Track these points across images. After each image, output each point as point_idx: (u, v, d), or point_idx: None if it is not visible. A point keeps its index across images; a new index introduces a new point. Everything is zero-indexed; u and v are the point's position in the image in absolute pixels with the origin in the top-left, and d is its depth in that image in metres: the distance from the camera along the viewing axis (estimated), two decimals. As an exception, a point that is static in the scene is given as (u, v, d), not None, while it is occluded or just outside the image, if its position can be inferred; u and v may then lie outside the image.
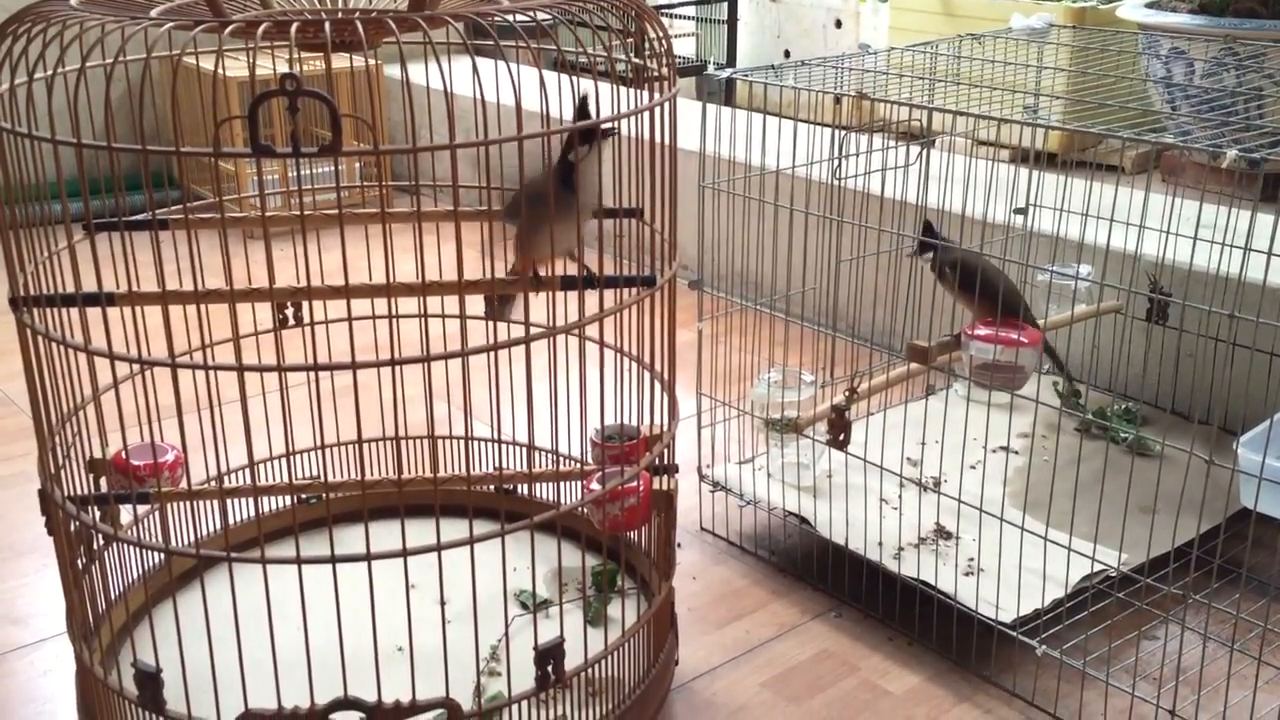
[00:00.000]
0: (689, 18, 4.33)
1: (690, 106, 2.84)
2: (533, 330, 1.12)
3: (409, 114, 1.06)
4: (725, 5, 4.18)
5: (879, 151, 1.84)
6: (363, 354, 1.05)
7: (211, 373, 1.08)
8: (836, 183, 1.75)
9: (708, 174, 1.73)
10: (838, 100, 1.63)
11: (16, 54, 1.09)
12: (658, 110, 1.19)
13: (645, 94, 1.19)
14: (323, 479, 1.52)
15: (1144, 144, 1.37)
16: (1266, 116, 2.63)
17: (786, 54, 4.36)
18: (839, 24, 4.17)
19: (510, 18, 1.21)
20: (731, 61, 4.23)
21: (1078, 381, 1.75)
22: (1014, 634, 1.43)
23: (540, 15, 1.14)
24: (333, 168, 2.57)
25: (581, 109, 1.17)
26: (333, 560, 1.07)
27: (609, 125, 1.19)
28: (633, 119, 1.17)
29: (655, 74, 1.22)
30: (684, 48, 4.37)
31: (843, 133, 1.74)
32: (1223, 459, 1.51)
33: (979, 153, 2.10)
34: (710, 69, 3.96)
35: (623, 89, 1.16)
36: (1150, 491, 1.56)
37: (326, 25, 0.98)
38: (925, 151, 1.83)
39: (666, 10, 4.35)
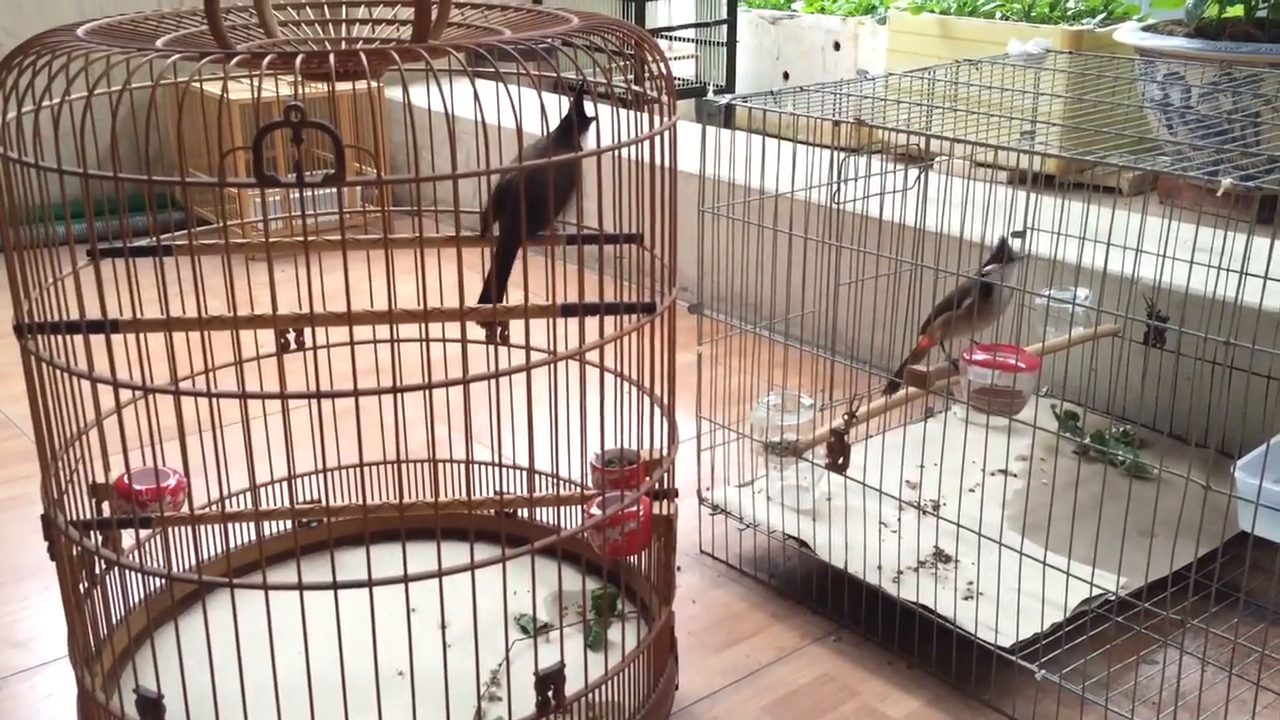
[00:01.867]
0: (689, 40, 4.35)
1: (690, 129, 2.85)
2: (535, 357, 1.13)
3: (411, 139, 1.07)
4: (725, 28, 4.20)
5: (878, 175, 1.85)
6: (364, 376, 1.06)
7: (214, 381, 1.09)
8: (836, 206, 1.76)
9: (707, 198, 1.74)
10: (836, 124, 1.64)
11: (24, 85, 1.10)
12: (658, 137, 1.20)
13: (645, 117, 1.20)
14: (324, 502, 1.52)
15: (1139, 170, 1.38)
16: (1263, 139, 2.65)
17: (785, 75, 4.38)
18: (838, 46, 4.19)
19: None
20: (731, 83, 4.25)
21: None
22: (1013, 658, 1.43)
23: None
24: (334, 192, 2.58)
25: (579, 97, 1.20)
26: (334, 587, 1.07)
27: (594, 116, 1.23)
28: (633, 145, 1.18)
29: (654, 99, 1.23)
30: (684, 69, 4.39)
31: (842, 157, 1.75)
32: (1220, 482, 1.51)
33: (977, 174, 2.11)
34: (710, 93, 3.98)
35: (623, 111, 1.17)
36: (1149, 515, 1.56)
37: (331, 58, 0.99)
38: (923, 175, 1.85)
39: (666, 33, 4.37)
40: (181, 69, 1.07)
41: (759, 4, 4.52)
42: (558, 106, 1.30)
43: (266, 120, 0.96)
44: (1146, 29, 3.24)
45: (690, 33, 4.31)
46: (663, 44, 4.42)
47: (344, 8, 1.36)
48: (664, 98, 1.20)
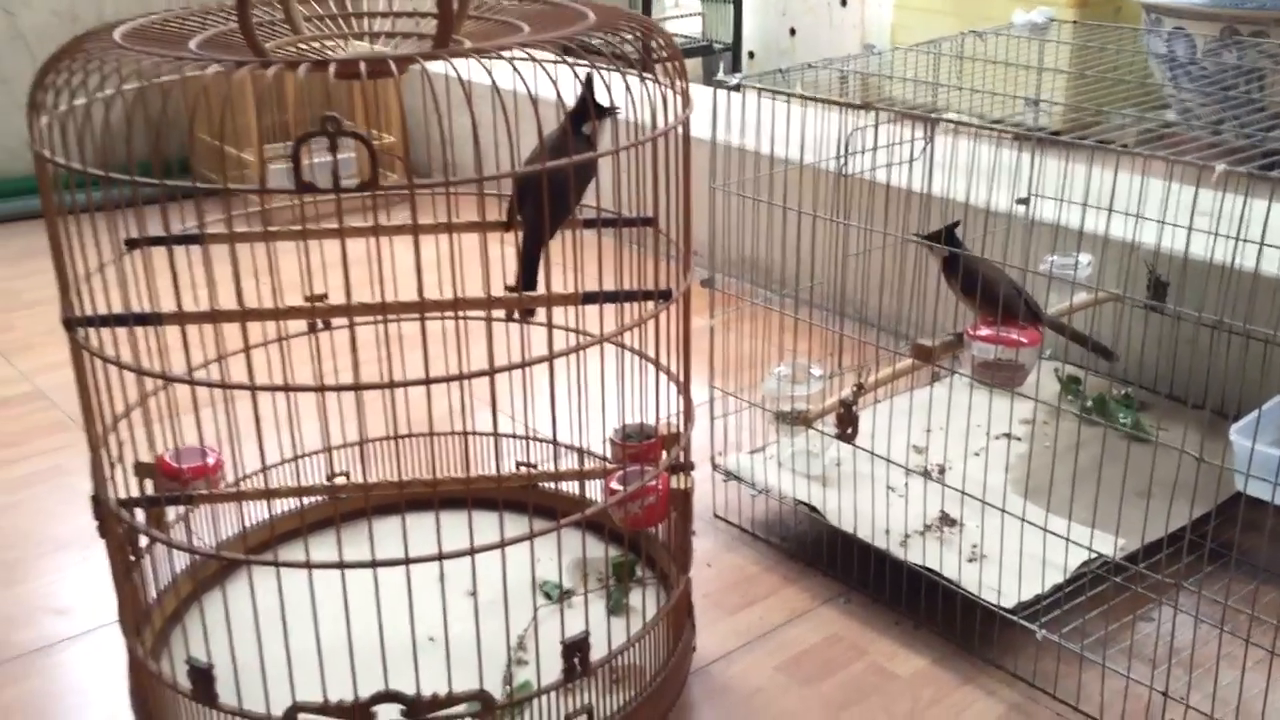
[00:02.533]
0: (695, -3, 4.38)
1: (700, 93, 2.88)
2: (559, 344, 1.19)
3: (441, 136, 1.11)
4: (731, -15, 4.22)
5: (884, 148, 1.90)
6: (395, 346, 1.10)
7: (251, 368, 1.15)
8: (844, 178, 1.80)
9: (718, 175, 1.79)
10: (844, 108, 1.68)
11: (62, 88, 1.15)
12: (670, 116, 1.24)
13: (657, 100, 1.23)
14: (360, 474, 1.59)
15: (1142, 155, 1.42)
16: (1267, 95, 2.66)
17: (792, 32, 4.39)
18: (844, 2, 4.19)
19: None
20: (738, 41, 4.26)
21: (1102, 355, 1.84)
22: (1015, 618, 1.50)
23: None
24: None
25: (587, 86, 1.24)
26: (374, 565, 1.14)
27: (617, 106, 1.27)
28: (644, 114, 1.22)
29: (668, 85, 1.27)
30: (690, 27, 4.40)
31: (849, 130, 1.79)
32: (1216, 441, 1.57)
33: (983, 133, 2.15)
34: (720, 72, 4.00)
35: (635, 81, 1.21)
36: (1148, 477, 1.62)
37: (362, 66, 1.04)
38: (929, 145, 1.89)
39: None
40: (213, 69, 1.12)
41: (765, -41, 4.52)
42: (572, 87, 1.33)
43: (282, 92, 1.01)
44: (1153, -16, 3.26)
45: (697, -11, 4.34)
46: (669, 2, 4.42)
47: (365, 2, 1.40)
48: (677, 94, 1.25)
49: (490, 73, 1.10)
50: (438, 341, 1.47)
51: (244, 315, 1.17)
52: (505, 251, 1.44)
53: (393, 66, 1.07)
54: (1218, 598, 1.42)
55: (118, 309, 1.24)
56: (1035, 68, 1.86)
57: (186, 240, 1.31)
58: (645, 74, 1.20)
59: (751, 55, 4.51)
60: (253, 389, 1.10)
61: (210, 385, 1.12)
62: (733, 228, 1.81)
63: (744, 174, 1.80)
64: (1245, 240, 1.59)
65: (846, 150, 1.80)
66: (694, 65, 4.44)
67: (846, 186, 1.81)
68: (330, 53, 1.27)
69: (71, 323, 1.21)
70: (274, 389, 1.11)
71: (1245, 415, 1.73)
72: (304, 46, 1.29)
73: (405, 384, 1.11)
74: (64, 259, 1.19)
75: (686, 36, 4.35)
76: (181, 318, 1.21)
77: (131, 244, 1.31)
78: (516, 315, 1.38)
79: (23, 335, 2.63)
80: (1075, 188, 2.04)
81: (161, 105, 1.05)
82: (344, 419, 1.49)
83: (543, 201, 1.17)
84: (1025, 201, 2.13)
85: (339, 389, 1.11)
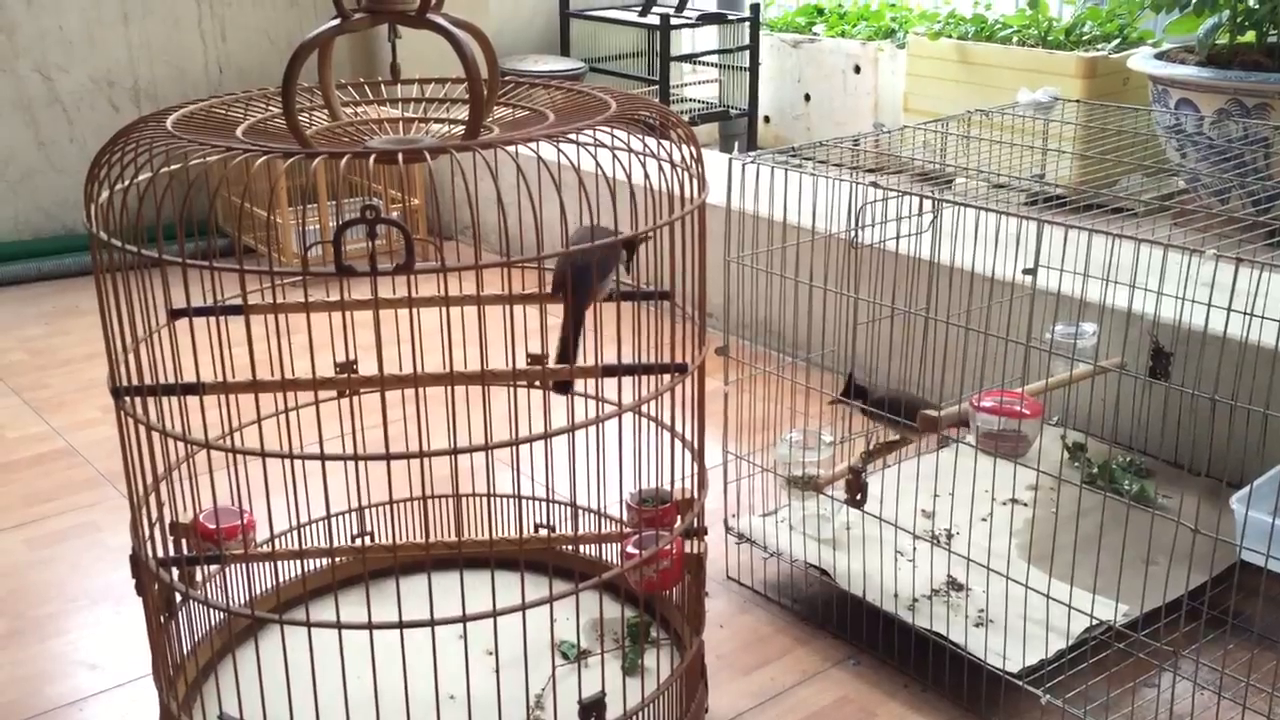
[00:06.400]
0: (713, 64, 4.47)
1: (715, 159, 2.96)
2: (580, 414, 1.25)
3: (473, 216, 1.18)
4: (747, 53, 4.30)
5: (894, 221, 1.96)
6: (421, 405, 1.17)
7: (288, 433, 1.21)
8: (854, 250, 1.87)
9: (733, 245, 1.86)
10: (855, 184, 1.75)
11: (116, 174, 1.23)
12: (686, 201, 1.31)
13: (674, 184, 1.31)
14: (388, 533, 1.65)
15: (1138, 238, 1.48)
16: (1273, 165, 2.72)
17: (807, 98, 4.48)
18: (858, 69, 4.29)
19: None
20: (754, 106, 4.35)
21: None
22: (1020, 683, 1.54)
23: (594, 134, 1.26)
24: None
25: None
26: (400, 626, 1.19)
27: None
28: (662, 177, 1.29)
29: (685, 167, 1.34)
30: (707, 93, 4.50)
31: (859, 205, 1.86)
32: (1217, 509, 1.61)
33: (993, 197, 2.21)
34: (735, 152, 4.11)
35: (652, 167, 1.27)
36: (1149, 543, 1.67)
37: (400, 156, 1.12)
38: (937, 217, 1.95)
39: (691, 59, 4.49)
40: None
41: (780, 27, 4.63)
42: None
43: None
44: (1159, 56, 3.34)
45: (714, 58, 4.43)
46: (687, 69, 4.52)
47: (399, 87, 1.48)
48: (693, 178, 1.32)
49: (516, 160, 1.18)
50: (462, 401, 1.53)
51: (284, 385, 1.24)
52: (529, 322, 1.51)
53: (427, 156, 1.15)
54: (1216, 665, 1.46)
55: (160, 373, 1.31)
56: (1040, 148, 1.92)
57: (229, 311, 1.38)
58: (663, 161, 1.27)
59: (767, 120, 4.61)
60: (289, 457, 1.16)
61: (250, 454, 1.18)
62: (747, 295, 1.87)
63: (758, 243, 1.87)
64: (1235, 311, 1.65)
65: (858, 223, 1.87)
66: (711, 130, 4.53)
67: (858, 256, 1.87)
68: (366, 135, 1.35)
69: (119, 392, 1.27)
70: (309, 458, 1.17)
71: (1247, 484, 1.77)
72: (340, 130, 1.36)
73: (433, 454, 1.17)
74: (112, 334, 1.26)
75: (703, 102, 4.45)
76: (225, 388, 1.28)
77: (176, 314, 1.38)
78: (548, 384, 1.44)
79: (56, 393, 2.71)
80: (1080, 255, 2.10)
81: (212, 188, 1.12)
82: (372, 480, 1.55)
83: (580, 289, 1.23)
84: (1032, 272, 2.19)
85: (369, 458, 1.17)
